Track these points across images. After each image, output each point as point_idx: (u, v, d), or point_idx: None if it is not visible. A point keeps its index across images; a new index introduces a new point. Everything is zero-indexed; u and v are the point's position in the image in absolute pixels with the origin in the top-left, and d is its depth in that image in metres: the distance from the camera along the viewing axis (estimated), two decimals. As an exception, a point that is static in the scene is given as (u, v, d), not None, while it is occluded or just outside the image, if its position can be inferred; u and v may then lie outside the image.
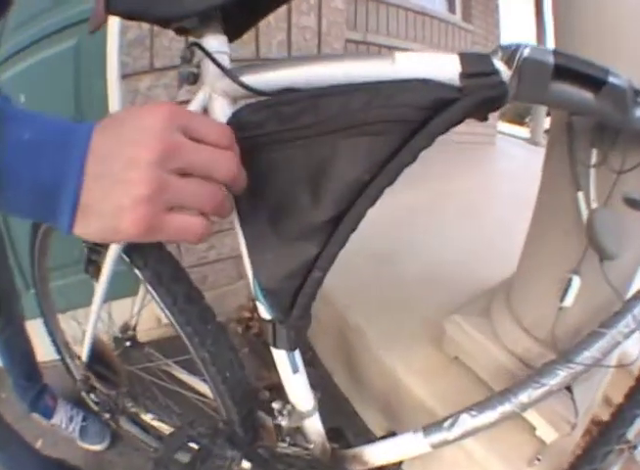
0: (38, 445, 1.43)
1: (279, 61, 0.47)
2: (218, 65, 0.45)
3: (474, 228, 1.80)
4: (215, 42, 0.49)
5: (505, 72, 0.41)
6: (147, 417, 1.02)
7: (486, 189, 2.72)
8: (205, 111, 0.50)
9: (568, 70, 0.41)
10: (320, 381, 1.44)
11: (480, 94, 0.40)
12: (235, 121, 0.46)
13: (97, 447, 1.47)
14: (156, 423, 1.01)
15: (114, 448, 1.47)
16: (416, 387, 1.06)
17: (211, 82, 0.49)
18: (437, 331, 1.14)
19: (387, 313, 1.29)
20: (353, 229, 0.45)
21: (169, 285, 0.74)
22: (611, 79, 0.43)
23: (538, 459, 0.90)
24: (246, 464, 0.81)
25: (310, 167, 0.44)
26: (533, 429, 0.93)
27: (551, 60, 0.40)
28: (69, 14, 1.32)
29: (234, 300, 0.87)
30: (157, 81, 1.34)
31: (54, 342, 1.34)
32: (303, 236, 0.46)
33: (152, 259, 0.74)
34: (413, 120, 0.41)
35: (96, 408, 1.19)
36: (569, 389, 0.85)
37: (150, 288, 0.75)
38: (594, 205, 0.71)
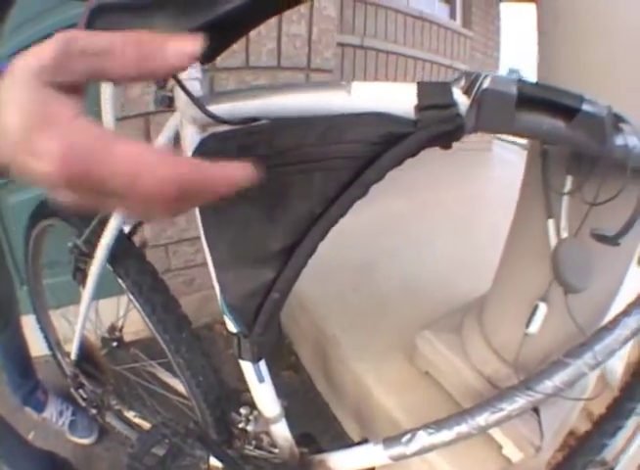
0: (30, 437, 1.44)
1: (244, 90, 0.48)
2: (188, 93, 0.46)
3: (462, 239, 1.76)
4: (187, 70, 0.49)
5: (464, 104, 0.40)
6: (129, 414, 1.04)
7: (478, 197, 2.65)
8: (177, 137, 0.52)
9: (535, 100, 0.40)
10: (301, 385, 1.46)
11: (434, 128, 0.39)
12: (200, 151, 0.47)
13: (85, 441, 1.49)
14: (137, 420, 1.04)
15: (102, 443, 1.49)
16: (385, 398, 1.06)
17: (182, 109, 0.50)
18: (411, 344, 1.13)
19: (362, 324, 1.28)
20: (309, 256, 0.45)
21: (149, 295, 0.76)
22: (585, 107, 0.41)
23: None
24: (217, 463, 0.81)
25: (266, 198, 0.44)
26: (500, 447, 0.92)
27: (514, 90, 0.39)
28: (70, 14, 1.29)
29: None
30: (148, 88, 1.34)
31: (46, 338, 1.36)
32: (261, 261, 0.46)
33: (133, 270, 0.76)
34: (365, 156, 0.41)
35: (84, 404, 1.20)
36: (536, 411, 0.87)
37: (131, 296, 0.77)
38: (564, 234, 0.70)
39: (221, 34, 0.50)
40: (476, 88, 0.38)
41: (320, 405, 1.43)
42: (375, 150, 0.40)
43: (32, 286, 1.21)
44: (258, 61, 1.50)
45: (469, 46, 4.66)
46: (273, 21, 1.50)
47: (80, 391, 1.15)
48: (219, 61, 1.42)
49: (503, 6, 5.22)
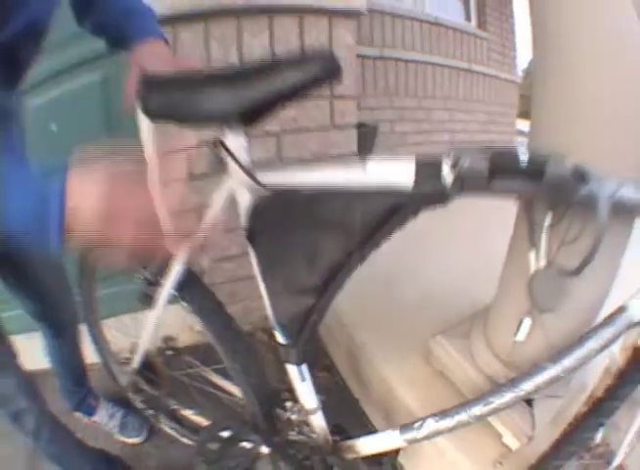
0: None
1: (289, 165, 0.63)
2: (239, 164, 0.61)
3: (476, 255, 1.79)
4: (235, 140, 0.63)
5: (449, 178, 0.52)
6: (187, 413, 1.18)
7: (497, 208, 2.57)
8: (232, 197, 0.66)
9: (505, 169, 0.52)
10: (335, 385, 1.57)
11: (427, 198, 0.54)
12: (255, 213, 0.62)
13: (135, 441, 1.58)
14: (194, 418, 1.18)
15: (151, 442, 1.59)
16: (405, 394, 1.19)
17: (233, 174, 0.64)
18: (427, 348, 1.25)
19: (387, 331, 1.40)
20: (338, 290, 0.62)
21: (211, 316, 0.91)
22: (549, 169, 0.52)
23: (500, 463, 1.00)
24: (265, 449, 0.99)
25: (306, 248, 0.60)
26: (500, 436, 1.03)
27: (486, 166, 0.51)
28: (96, 46, 1.32)
29: (260, 312, 1.01)
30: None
31: (97, 347, 1.47)
32: (303, 292, 0.63)
33: (197, 297, 0.91)
34: (377, 221, 0.55)
35: (141, 406, 1.33)
36: (529, 403, 0.99)
37: (195, 316, 0.92)
38: (542, 263, 0.80)
39: (267, 107, 0.63)
40: (458, 167, 0.51)
41: (351, 401, 1.54)
42: (384, 216, 0.56)
43: (85, 298, 1.32)
44: None
45: (485, 48, 4.68)
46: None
47: (138, 394, 1.29)
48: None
49: (516, 2, 5.18)
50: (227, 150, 0.62)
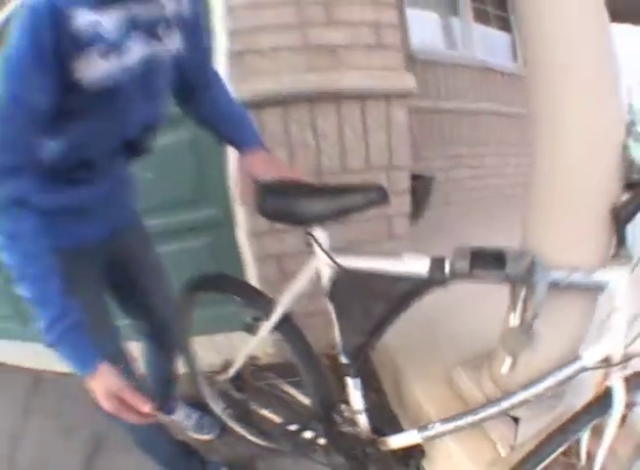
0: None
1: (356, 252, 1.04)
2: (325, 252, 1.02)
3: (504, 304, 2.00)
4: (322, 234, 1.04)
5: (448, 271, 0.91)
6: (263, 412, 1.58)
7: None
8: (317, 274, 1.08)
9: (483, 262, 0.90)
10: (380, 402, 1.91)
11: (434, 283, 0.93)
12: (333, 282, 1.03)
13: (207, 437, 1.89)
14: (269, 415, 1.57)
15: (221, 439, 1.90)
16: (430, 410, 1.50)
17: (319, 257, 1.05)
18: (451, 376, 1.57)
19: (422, 361, 1.71)
20: (384, 332, 1.01)
21: (297, 344, 1.31)
22: (509, 262, 0.88)
23: (493, 465, 1.30)
24: (322, 440, 1.38)
25: (364, 306, 1.00)
26: (495, 443, 1.34)
27: (468, 263, 0.89)
28: None
29: (328, 339, 1.39)
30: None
31: (187, 360, 1.74)
32: (361, 332, 1.03)
33: (294, 337, 1.31)
34: (404, 294, 0.95)
35: (222, 408, 1.73)
36: (515, 420, 1.30)
37: (286, 343, 1.32)
38: (516, 322, 1.03)
39: (342, 215, 1.04)
40: (453, 264, 0.91)
41: (391, 414, 1.87)
42: (408, 292, 0.96)
43: (180, 319, 1.60)
44: (352, 165, 2.04)
45: None
46: (361, 131, 2.01)
47: (226, 398, 1.69)
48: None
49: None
50: (316, 240, 1.04)
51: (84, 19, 0.86)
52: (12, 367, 3.20)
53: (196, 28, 1.23)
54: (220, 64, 1.90)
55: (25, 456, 2.28)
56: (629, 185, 1.06)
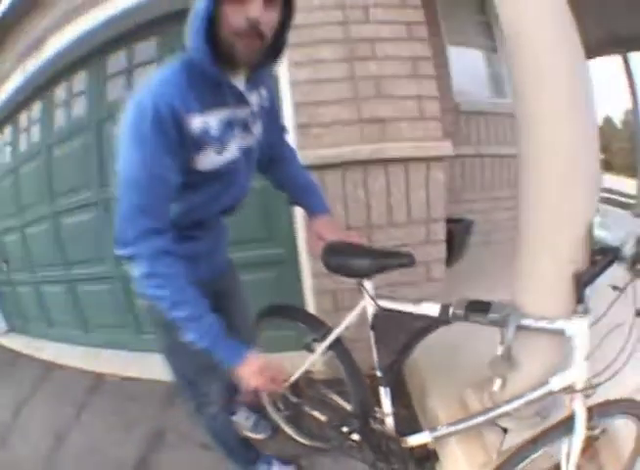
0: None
1: (391, 296, 1.51)
2: (370, 296, 1.50)
3: None
4: (369, 284, 1.52)
5: (451, 313, 1.37)
6: (314, 413, 2.01)
7: None
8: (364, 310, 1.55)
9: (473, 311, 1.35)
10: (410, 416, 2.30)
11: (441, 322, 1.39)
12: (374, 317, 1.51)
13: (261, 437, 2.32)
14: (318, 415, 2.00)
15: (273, 439, 2.33)
16: (443, 419, 1.85)
17: (366, 299, 1.53)
18: (463, 395, 1.88)
19: (443, 381, 2.02)
20: (410, 354, 1.49)
21: (349, 366, 1.77)
22: (492, 311, 1.31)
23: (485, 466, 1.63)
24: (356, 436, 1.81)
25: (395, 335, 1.47)
26: (488, 449, 1.65)
27: (463, 311, 1.35)
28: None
29: (368, 359, 1.65)
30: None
31: None
32: (392, 353, 1.49)
33: (345, 358, 1.78)
34: (421, 328, 1.42)
35: (280, 410, 2.19)
36: (505, 430, 1.62)
37: (338, 361, 1.79)
38: (500, 352, 1.35)
39: (383, 271, 1.51)
40: (454, 310, 1.37)
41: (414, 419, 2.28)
42: (425, 327, 1.43)
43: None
44: (397, 218, 2.51)
45: None
46: (404, 190, 2.48)
47: (283, 402, 2.15)
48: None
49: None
50: (364, 288, 1.52)
51: (198, 122, 1.20)
52: (72, 369, 3.73)
53: (272, 113, 1.58)
54: (290, 134, 2.32)
55: (77, 445, 2.68)
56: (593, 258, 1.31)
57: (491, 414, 1.46)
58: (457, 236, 3.41)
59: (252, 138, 1.43)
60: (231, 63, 1.21)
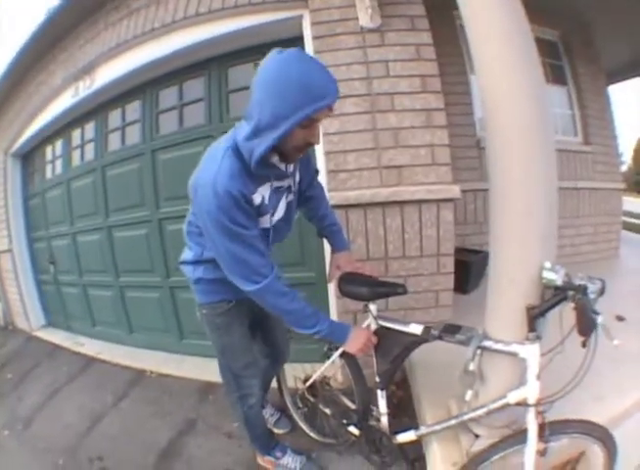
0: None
1: (394, 318, 2.03)
2: (373, 316, 2.03)
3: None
4: (372, 306, 2.05)
5: (430, 333, 1.85)
6: (326, 410, 2.49)
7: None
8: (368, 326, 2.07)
9: (446, 333, 1.81)
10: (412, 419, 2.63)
11: (423, 340, 1.89)
12: (376, 331, 2.04)
13: (282, 431, 2.76)
14: (328, 412, 2.48)
15: (290, 433, 2.76)
16: (431, 419, 2.17)
17: (370, 317, 2.06)
18: (447, 401, 2.21)
19: (433, 392, 2.41)
20: (401, 363, 2.01)
21: (356, 371, 2.27)
22: (459, 333, 1.75)
23: (455, 464, 1.91)
24: (356, 431, 2.31)
25: (389, 346, 1.98)
26: (462, 450, 1.93)
27: (437, 334, 1.81)
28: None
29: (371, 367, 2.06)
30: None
31: (277, 378, 2.77)
32: (387, 362, 1.99)
33: (352, 362, 2.26)
34: (409, 343, 1.93)
35: (299, 408, 2.69)
36: (476, 436, 1.92)
37: (346, 367, 2.30)
38: (470, 368, 1.66)
39: (384, 296, 2.09)
40: (433, 331, 1.86)
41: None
42: (411, 343, 1.94)
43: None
44: (410, 252, 2.97)
45: (590, 161, 5.10)
46: (417, 227, 2.91)
47: (302, 400, 2.64)
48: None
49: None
50: (369, 309, 2.04)
51: (258, 197, 1.61)
52: (113, 364, 4.28)
53: (307, 161, 1.99)
54: (321, 178, 2.78)
55: (113, 427, 3.15)
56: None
57: (460, 419, 1.83)
58: (474, 266, 3.78)
59: (293, 195, 1.86)
60: (285, 161, 1.64)
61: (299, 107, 1.34)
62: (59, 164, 5.10)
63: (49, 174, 5.30)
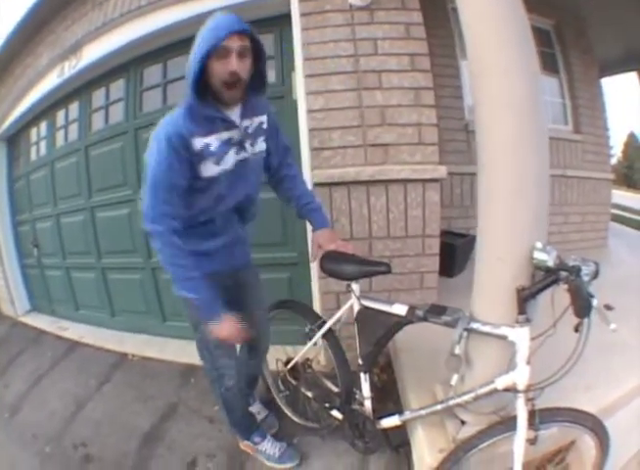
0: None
1: (377, 298, 1.92)
2: (355, 296, 1.90)
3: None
4: (355, 285, 1.93)
5: (415, 314, 1.74)
6: (308, 393, 2.39)
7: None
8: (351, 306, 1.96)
9: (430, 314, 1.70)
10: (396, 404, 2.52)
11: (408, 321, 1.77)
12: (358, 312, 1.92)
13: (270, 431, 2.53)
14: (311, 395, 2.38)
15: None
16: (415, 402, 2.10)
17: (352, 298, 1.94)
18: (433, 386, 2.10)
19: (419, 377, 2.30)
20: (385, 345, 1.91)
21: (338, 354, 2.17)
22: (445, 315, 1.64)
23: (442, 450, 1.78)
24: (339, 415, 2.20)
25: (373, 328, 1.87)
26: (448, 436, 1.85)
27: (423, 314, 1.70)
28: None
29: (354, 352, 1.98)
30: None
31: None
32: (370, 345, 1.88)
33: (332, 340, 2.17)
34: (393, 324, 1.80)
35: (281, 391, 2.59)
36: (463, 422, 1.83)
37: (329, 349, 2.19)
38: (456, 352, 1.59)
39: (367, 276, 1.95)
40: (418, 311, 1.75)
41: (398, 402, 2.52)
42: (395, 324, 1.82)
43: None
44: (395, 233, 2.87)
45: (580, 150, 5.01)
46: (403, 208, 2.81)
47: (284, 384, 2.56)
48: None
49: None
50: (352, 290, 1.92)
51: (199, 142, 1.68)
52: (96, 347, 4.23)
53: (275, 134, 2.01)
54: (305, 156, 2.84)
55: (96, 412, 3.14)
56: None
57: (445, 404, 1.74)
58: (460, 249, 3.74)
59: (250, 154, 1.86)
60: (222, 102, 1.70)
61: (202, 47, 1.56)
62: (43, 145, 4.94)
63: (33, 156, 5.12)
